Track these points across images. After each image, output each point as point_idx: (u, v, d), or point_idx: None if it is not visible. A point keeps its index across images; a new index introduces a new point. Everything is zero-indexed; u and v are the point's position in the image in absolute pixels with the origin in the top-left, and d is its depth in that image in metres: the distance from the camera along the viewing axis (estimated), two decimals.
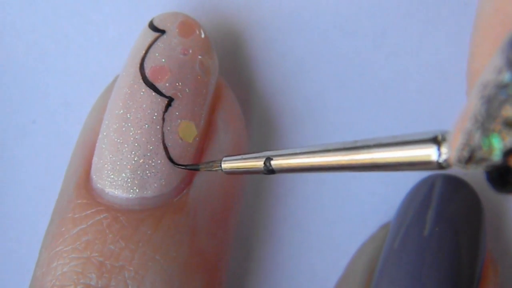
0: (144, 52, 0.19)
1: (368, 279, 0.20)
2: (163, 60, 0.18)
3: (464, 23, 0.21)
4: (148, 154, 0.18)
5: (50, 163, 0.23)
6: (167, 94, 0.18)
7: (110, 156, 0.18)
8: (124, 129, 0.18)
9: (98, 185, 0.18)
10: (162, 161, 0.18)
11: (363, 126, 0.22)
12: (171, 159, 0.18)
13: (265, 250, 0.23)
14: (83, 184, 0.18)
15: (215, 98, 0.20)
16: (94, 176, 0.18)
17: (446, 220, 0.20)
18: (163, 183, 0.18)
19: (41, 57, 0.22)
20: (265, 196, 0.23)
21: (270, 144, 0.22)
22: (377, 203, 0.22)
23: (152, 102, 0.18)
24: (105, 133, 0.18)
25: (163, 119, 0.18)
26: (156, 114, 0.18)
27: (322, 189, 0.23)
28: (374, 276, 0.20)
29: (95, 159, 0.18)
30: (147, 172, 0.18)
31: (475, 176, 0.22)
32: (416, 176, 0.22)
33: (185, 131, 0.18)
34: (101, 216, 0.17)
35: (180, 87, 0.18)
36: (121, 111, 0.18)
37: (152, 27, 0.19)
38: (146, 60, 0.19)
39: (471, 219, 0.20)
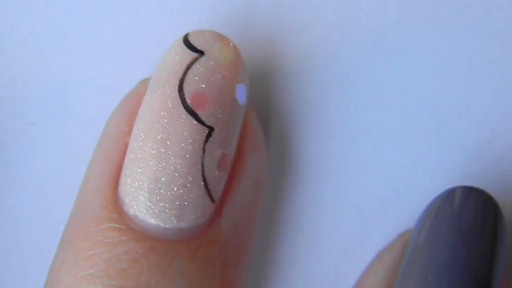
0: (182, 73, 0.18)
1: None
2: (203, 85, 0.18)
3: (464, 24, 0.22)
4: (188, 185, 0.18)
5: (50, 165, 0.22)
6: (208, 123, 0.18)
7: (148, 182, 0.18)
8: (163, 155, 0.18)
9: (132, 210, 0.18)
10: (200, 193, 0.18)
11: (363, 127, 0.22)
12: None
13: (262, 252, 0.23)
14: (111, 205, 0.18)
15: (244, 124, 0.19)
16: (126, 200, 0.18)
17: (467, 235, 0.20)
18: (199, 214, 0.18)
19: (40, 58, 0.22)
20: (263, 198, 0.23)
21: (269, 146, 0.23)
22: (377, 206, 0.23)
23: (193, 131, 0.18)
24: (139, 156, 0.18)
25: (204, 149, 0.18)
26: (196, 144, 0.18)
27: (320, 191, 0.23)
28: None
29: (126, 181, 0.18)
30: (185, 203, 0.18)
31: (474, 183, 0.22)
32: (417, 179, 0.23)
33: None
34: (137, 244, 0.17)
35: (220, 116, 0.18)
36: (159, 136, 0.18)
37: (188, 45, 0.19)
38: (185, 83, 0.18)
39: (494, 235, 0.20)
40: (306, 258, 0.24)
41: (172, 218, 0.17)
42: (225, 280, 0.18)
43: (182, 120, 0.18)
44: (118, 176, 0.18)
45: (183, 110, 0.18)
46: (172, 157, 0.18)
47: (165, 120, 0.18)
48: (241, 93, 0.19)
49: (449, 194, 0.21)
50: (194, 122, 0.18)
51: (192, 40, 0.19)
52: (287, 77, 0.22)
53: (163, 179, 0.17)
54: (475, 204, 0.20)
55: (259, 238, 0.23)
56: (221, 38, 0.19)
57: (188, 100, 0.18)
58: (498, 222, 0.20)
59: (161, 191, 0.17)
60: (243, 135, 0.19)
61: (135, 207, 0.18)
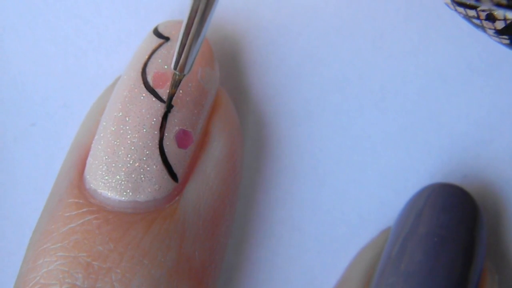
0: (147, 57, 0.19)
1: (365, 286, 0.20)
2: (166, 66, 0.19)
3: (463, 25, 0.21)
4: (144, 158, 0.18)
5: (50, 166, 0.23)
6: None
7: (106, 157, 0.18)
8: (121, 131, 0.18)
9: (91, 185, 0.18)
10: (158, 166, 0.18)
11: (362, 129, 0.22)
12: None
13: (263, 252, 0.23)
14: (76, 183, 0.18)
15: (213, 107, 0.20)
16: (87, 176, 0.18)
17: (445, 229, 0.20)
18: (157, 188, 0.18)
19: (40, 59, 0.22)
20: (263, 199, 0.23)
21: (268, 148, 0.23)
22: (376, 207, 0.23)
23: (151, 107, 0.18)
24: (101, 135, 0.18)
25: (161, 125, 0.18)
26: (155, 119, 0.18)
27: (320, 192, 0.23)
28: (371, 283, 0.20)
29: (89, 160, 0.18)
30: (142, 176, 0.18)
31: (474, 185, 0.22)
32: (416, 180, 0.22)
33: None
34: (92, 216, 0.17)
35: (181, 95, 0.18)
36: (120, 114, 0.18)
37: (157, 33, 0.19)
38: (149, 65, 0.19)
39: (469, 228, 0.20)
40: (305, 258, 0.23)
41: (128, 191, 0.18)
42: (182, 255, 0.18)
43: (142, 98, 0.18)
44: (86, 160, 0.19)
45: (144, 89, 0.18)
46: (130, 132, 0.18)
47: (127, 99, 0.18)
48: (206, 76, 0.19)
49: (426, 191, 0.21)
50: (154, 99, 0.18)
51: (161, 29, 0.20)
52: (286, 79, 0.22)
53: (120, 153, 0.18)
54: (450, 199, 0.20)
55: (257, 238, 0.23)
56: None
57: (149, 80, 0.18)
58: (475, 216, 0.20)
59: (118, 164, 0.18)
60: (212, 117, 0.20)
61: (94, 181, 0.18)
